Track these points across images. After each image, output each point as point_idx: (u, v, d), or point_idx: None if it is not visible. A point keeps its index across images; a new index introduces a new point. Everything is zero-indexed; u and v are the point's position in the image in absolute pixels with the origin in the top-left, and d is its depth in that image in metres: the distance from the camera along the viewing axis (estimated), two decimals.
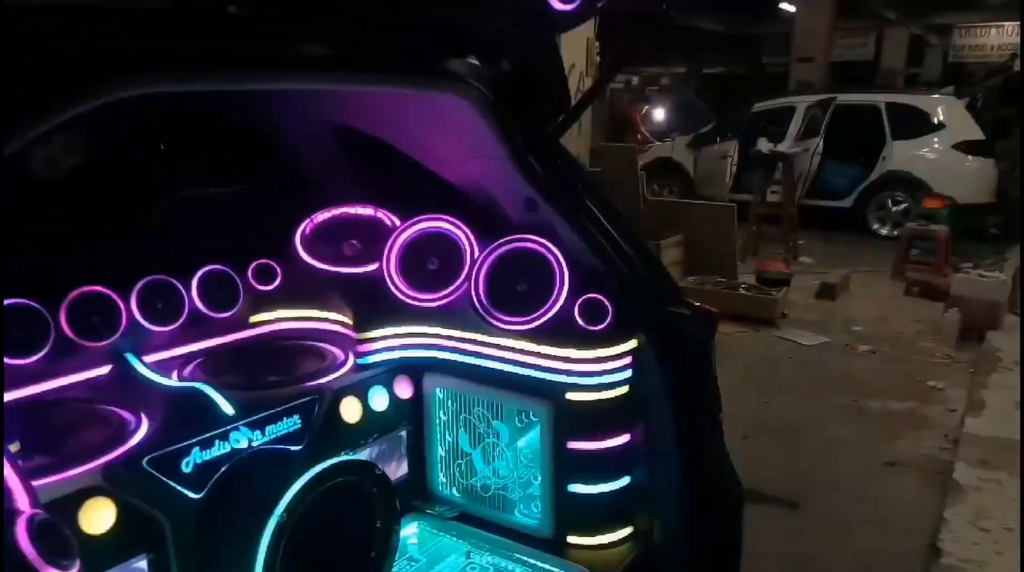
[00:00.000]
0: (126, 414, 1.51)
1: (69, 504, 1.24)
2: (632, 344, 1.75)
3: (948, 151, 9.53)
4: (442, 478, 1.99)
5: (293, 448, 1.58)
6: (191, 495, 1.40)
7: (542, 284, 1.77)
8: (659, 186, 11.24)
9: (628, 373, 1.75)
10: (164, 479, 1.37)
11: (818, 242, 9.30)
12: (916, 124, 9.81)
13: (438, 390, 1.93)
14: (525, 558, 1.76)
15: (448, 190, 1.94)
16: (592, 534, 1.81)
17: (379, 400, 1.82)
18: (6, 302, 1.48)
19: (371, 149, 1.97)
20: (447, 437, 1.96)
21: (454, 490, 1.98)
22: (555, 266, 1.76)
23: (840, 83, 13.64)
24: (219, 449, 1.46)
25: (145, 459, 1.36)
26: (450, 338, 1.87)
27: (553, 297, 1.75)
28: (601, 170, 7.31)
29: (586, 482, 1.78)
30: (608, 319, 1.73)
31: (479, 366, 1.84)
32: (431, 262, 1.90)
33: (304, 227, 2.06)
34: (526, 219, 1.82)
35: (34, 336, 1.53)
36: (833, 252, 8.95)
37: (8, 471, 0.90)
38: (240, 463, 1.47)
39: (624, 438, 1.78)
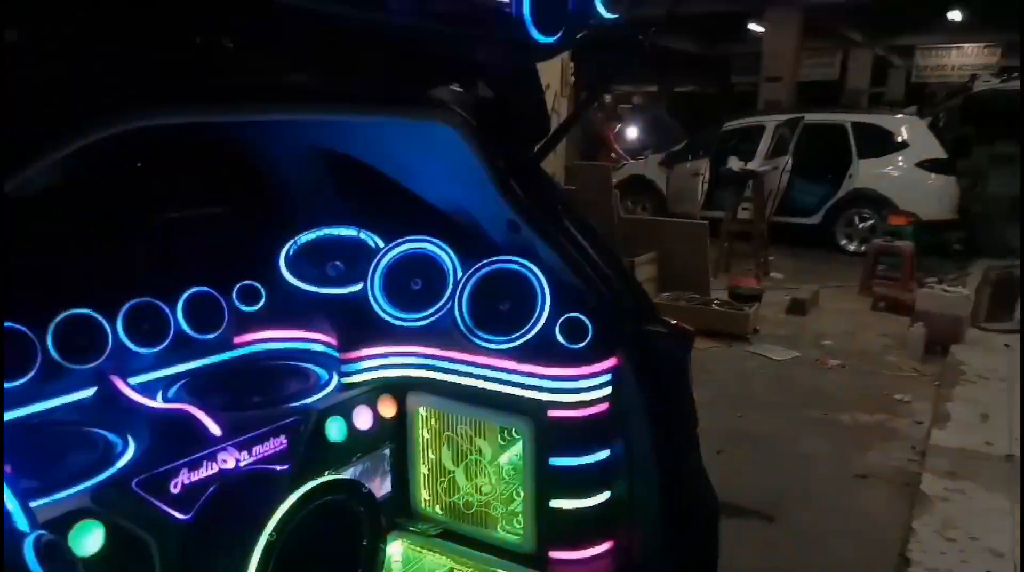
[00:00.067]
0: (112, 436, 1.52)
1: (58, 527, 1.25)
2: (611, 362, 1.80)
3: (912, 169, 9.80)
4: (425, 495, 2.02)
5: (279, 468, 1.60)
6: (179, 516, 1.41)
7: (524, 304, 1.82)
8: (632, 203, 11.39)
9: (608, 390, 1.80)
10: (152, 500, 1.38)
11: (788, 258, 9.47)
12: (881, 143, 10.09)
13: (421, 408, 1.96)
14: None
15: (431, 212, 1.98)
16: (573, 549, 1.85)
17: (363, 419, 1.84)
18: None
19: (355, 171, 2.01)
20: (430, 455, 1.99)
21: (437, 507, 2.01)
22: (536, 286, 1.81)
23: (807, 102, 13.96)
24: (206, 470, 1.47)
25: (134, 481, 1.37)
26: (433, 357, 1.90)
27: (535, 316, 1.80)
28: (576, 188, 7.40)
29: (568, 497, 1.82)
30: (588, 337, 1.78)
31: (462, 384, 1.87)
32: (415, 283, 1.94)
33: (288, 248, 2.09)
34: (508, 240, 1.87)
35: (21, 359, 1.54)
36: (803, 268, 9.12)
37: (8, 493, 0.92)
38: (227, 484, 1.49)
39: (604, 454, 1.82)
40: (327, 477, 1.53)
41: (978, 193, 10.20)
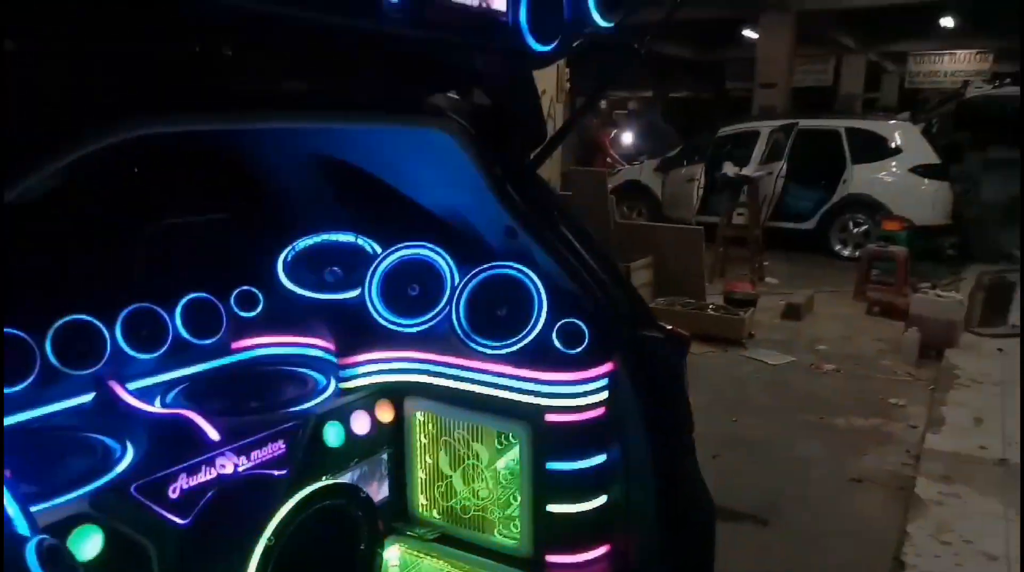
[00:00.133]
0: (111, 441, 1.52)
1: (57, 532, 1.25)
2: (608, 367, 1.81)
3: (905, 175, 9.85)
4: (422, 500, 2.02)
5: (278, 473, 1.61)
6: (178, 521, 1.41)
7: (521, 309, 1.83)
8: (628, 209, 11.43)
9: (604, 395, 1.81)
10: (151, 505, 1.39)
11: (783, 263, 9.51)
12: (875, 149, 10.14)
13: (419, 413, 1.97)
14: None
15: (429, 218, 1.99)
16: (570, 553, 1.85)
17: (361, 424, 1.85)
18: None
19: (353, 178, 2.02)
20: (427, 459, 2.00)
21: (434, 512, 2.02)
22: (533, 292, 1.82)
23: (802, 108, 14.04)
24: (205, 475, 1.48)
25: (132, 486, 1.38)
26: (431, 362, 1.91)
27: (532, 322, 1.81)
28: (572, 194, 7.42)
29: (564, 502, 1.83)
30: (585, 343, 1.79)
31: (459, 389, 1.88)
32: (412, 288, 1.95)
33: (286, 254, 2.10)
34: (505, 246, 1.88)
35: (20, 364, 1.54)
36: (797, 273, 9.16)
37: (9, 497, 0.92)
38: (226, 488, 1.50)
39: (600, 458, 1.84)
40: (325, 482, 1.54)
41: (972, 198, 10.25)
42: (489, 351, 1.83)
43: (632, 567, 1.88)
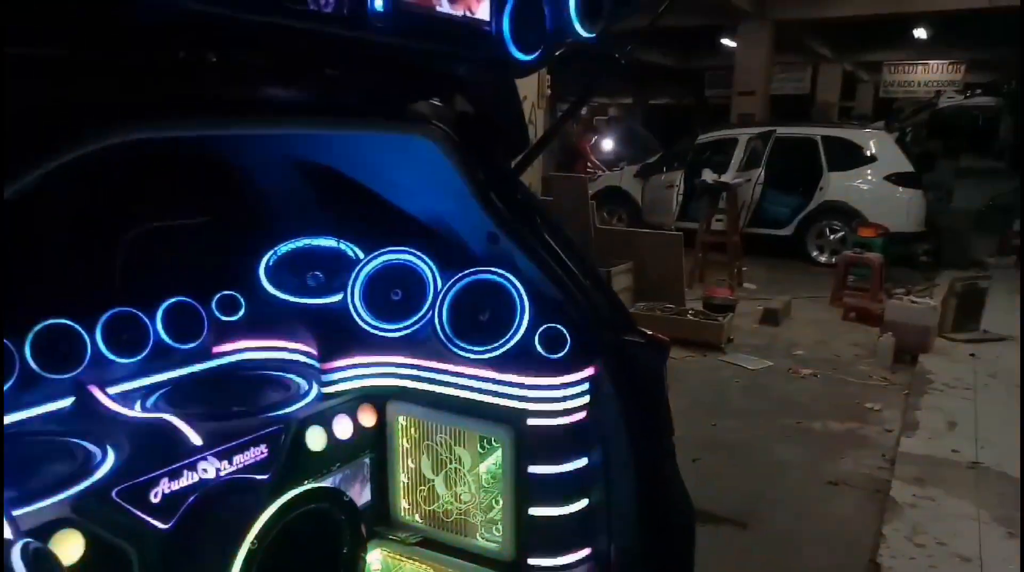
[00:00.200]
0: (91, 446, 1.51)
1: (38, 536, 1.24)
2: (589, 371, 1.83)
3: (880, 182, 10.02)
4: (405, 504, 2.03)
5: (260, 477, 1.61)
6: (160, 525, 1.41)
7: (503, 314, 1.84)
8: (608, 214, 11.51)
9: (586, 399, 1.83)
10: (133, 510, 1.38)
11: (761, 269, 9.62)
12: (850, 156, 10.30)
13: (401, 418, 1.98)
14: None
15: (411, 223, 2.00)
16: (552, 556, 1.87)
17: (343, 428, 1.85)
18: None
19: (335, 182, 2.03)
20: (410, 464, 2.00)
21: (416, 516, 2.02)
22: (516, 297, 1.84)
23: (780, 116, 14.22)
24: (187, 479, 1.48)
25: (114, 490, 1.37)
26: (413, 367, 1.92)
27: (514, 327, 1.82)
28: (553, 199, 7.46)
29: (546, 505, 1.84)
30: (566, 347, 1.81)
31: (442, 394, 1.89)
32: (395, 293, 1.96)
33: (268, 259, 2.10)
34: (487, 252, 1.89)
35: None
36: (775, 278, 9.27)
37: None
38: (208, 493, 1.49)
39: (582, 462, 1.85)
40: (308, 486, 1.54)
41: (944, 206, 10.46)
42: (472, 356, 1.84)
43: (613, 570, 1.90)
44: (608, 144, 15.05)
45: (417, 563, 1.95)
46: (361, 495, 1.93)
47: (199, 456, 1.51)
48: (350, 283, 1.96)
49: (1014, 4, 10.19)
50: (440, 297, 1.90)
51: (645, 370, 1.84)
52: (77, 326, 1.68)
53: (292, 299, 2.06)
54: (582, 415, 1.83)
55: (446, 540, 1.97)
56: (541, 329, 1.83)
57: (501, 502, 1.90)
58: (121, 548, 1.36)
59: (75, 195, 1.88)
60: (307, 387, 1.90)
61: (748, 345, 6.51)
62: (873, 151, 10.24)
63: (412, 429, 1.98)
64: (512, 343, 1.82)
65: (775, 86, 17.55)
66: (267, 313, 2.05)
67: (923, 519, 3.57)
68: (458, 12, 1.42)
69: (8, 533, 0.90)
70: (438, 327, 1.88)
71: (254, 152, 2.05)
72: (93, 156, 1.14)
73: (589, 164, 12.51)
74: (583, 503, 1.87)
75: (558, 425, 1.81)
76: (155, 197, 2.02)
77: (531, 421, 1.81)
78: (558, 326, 1.82)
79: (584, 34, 1.61)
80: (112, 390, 1.72)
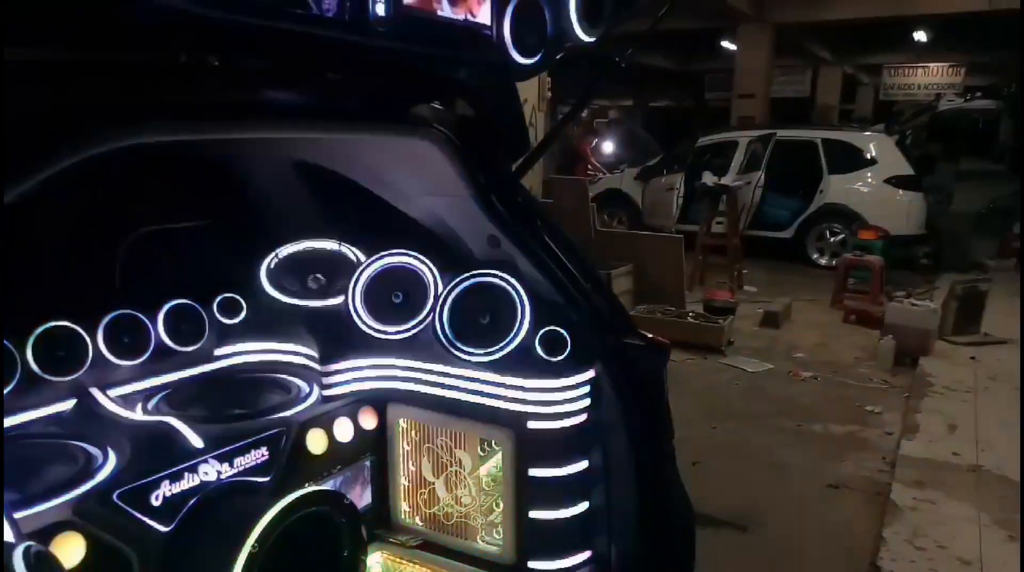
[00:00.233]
0: (92, 449, 1.52)
1: (39, 539, 1.24)
2: (589, 374, 1.83)
3: (880, 185, 10.01)
4: (405, 507, 2.03)
5: (261, 480, 1.61)
6: (160, 528, 1.41)
7: (504, 317, 1.85)
8: (608, 216, 11.52)
9: (586, 402, 1.83)
10: (134, 513, 1.38)
11: (761, 271, 9.61)
12: (850, 159, 10.30)
13: (402, 420, 1.98)
14: None
15: (412, 226, 2.01)
16: (553, 559, 1.87)
17: (344, 431, 1.86)
18: None
19: (336, 185, 2.03)
20: (410, 466, 2.01)
21: (417, 519, 2.02)
22: (516, 299, 1.84)
23: (780, 119, 14.24)
24: (188, 482, 1.48)
25: (115, 493, 1.37)
26: (414, 370, 1.92)
27: (515, 329, 1.83)
28: (553, 201, 7.47)
29: (546, 508, 1.84)
30: (567, 350, 1.82)
31: (442, 397, 1.89)
32: (395, 296, 1.96)
33: (269, 261, 2.10)
34: (488, 254, 1.90)
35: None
36: (775, 281, 9.26)
37: None
38: (209, 496, 1.50)
39: (582, 464, 1.85)
40: (308, 488, 1.54)
41: (944, 209, 10.46)
42: (472, 358, 1.84)
43: None
44: (608, 147, 15.06)
45: (418, 566, 1.95)
46: (362, 498, 1.94)
47: (200, 459, 1.51)
48: (351, 285, 1.96)
49: (1014, 7, 10.20)
50: (441, 300, 1.90)
51: (645, 373, 1.84)
52: (78, 328, 1.68)
53: (293, 301, 2.07)
54: (582, 418, 1.83)
55: (446, 543, 1.97)
56: (541, 332, 1.83)
57: (501, 505, 1.90)
58: (122, 551, 1.36)
59: (77, 197, 1.88)
60: (308, 390, 1.90)
61: (748, 348, 6.51)
62: (873, 154, 10.24)
63: (413, 432, 1.98)
64: (513, 346, 1.82)
65: (775, 89, 17.56)
66: (268, 315, 2.05)
67: (923, 522, 3.57)
68: (459, 16, 1.43)
69: (9, 536, 0.91)
70: (439, 330, 1.88)
71: (255, 155, 2.06)
72: (95, 159, 1.14)
73: (589, 167, 12.52)
74: (583, 506, 1.87)
75: (558, 428, 1.81)
76: (157, 199, 2.02)
77: (531, 424, 1.81)
78: (558, 329, 1.83)
79: (584, 38, 1.62)
80: (113, 392, 1.72)
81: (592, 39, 1.63)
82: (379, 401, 1.95)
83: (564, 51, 1.67)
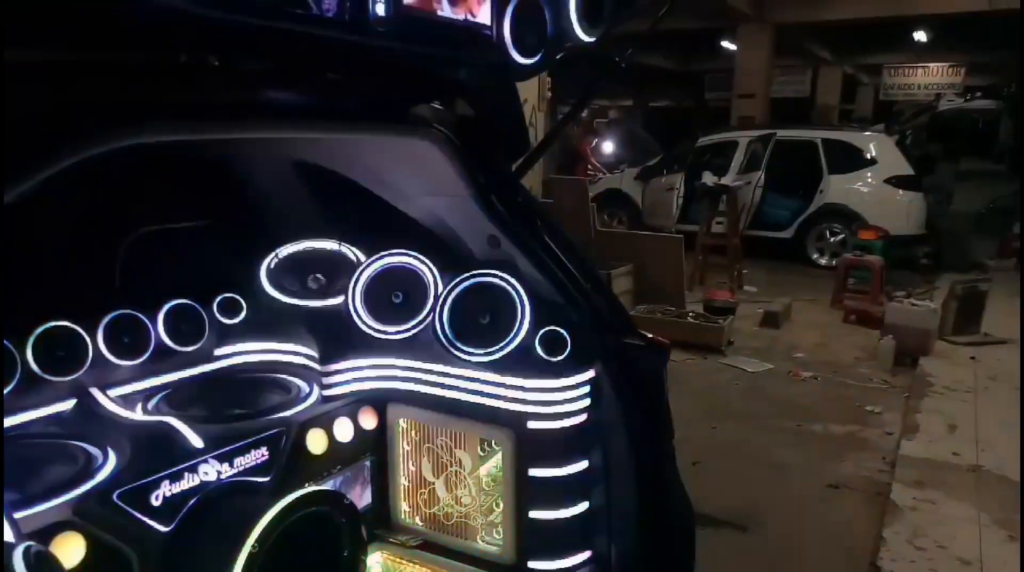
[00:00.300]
0: (92, 449, 1.52)
1: (39, 539, 1.24)
2: (589, 374, 1.83)
3: (880, 185, 10.01)
4: (405, 507, 2.03)
5: (261, 480, 1.61)
6: (160, 528, 1.41)
7: (504, 317, 1.85)
8: (608, 216, 11.52)
9: (586, 402, 1.83)
10: (134, 513, 1.38)
11: (761, 271, 9.61)
12: (850, 159, 10.29)
13: (402, 420, 1.98)
14: None
15: (412, 226, 2.01)
16: (553, 559, 1.87)
17: (344, 431, 1.86)
18: None
19: (336, 185, 2.03)
20: (410, 466, 2.01)
21: (417, 519, 2.02)
22: (516, 300, 1.84)
23: (780, 119, 14.23)
24: (188, 482, 1.48)
25: (115, 493, 1.37)
26: (414, 370, 1.92)
27: (515, 329, 1.83)
28: (553, 201, 7.47)
29: (547, 508, 1.84)
30: (567, 350, 1.82)
31: (442, 397, 1.89)
32: (395, 296, 1.96)
33: (269, 261, 2.10)
34: (488, 254, 1.90)
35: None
36: (775, 281, 9.26)
37: None
38: (209, 496, 1.50)
39: (582, 464, 1.85)
40: (309, 489, 1.54)
41: (944, 209, 10.46)
42: (472, 358, 1.84)
43: None
44: (608, 147, 15.06)
45: (417, 566, 1.95)
46: (362, 498, 1.94)
47: (200, 459, 1.51)
48: (351, 285, 1.96)
49: (1014, 7, 10.20)
50: (441, 300, 1.90)
51: (645, 373, 1.84)
52: (78, 328, 1.68)
53: (293, 301, 2.07)
54: (582, 418, 1.83)
55: (446, 543, 1.97)
56: (541, 332, 1.83)
57: (501, 505, 1.90)
58: (122, 551, 1.36)
59: (77, 197, 1.88)
60: (308, 390, 1.90)
61: (748, 348, 6.51)
62: (873, 154, 10.24)
63: (413, 432, 1.98)
64: (513, 346, 1.82)
65: (775, 89, 17.56)
66: (268, 315, 2.05)
67: (923, 522, 3.57)
68: (459, 16, 1.43)
69: (9, 536, 0.91)
70: (439, 330, 1.88)
71: (256, 155, 2.06)
72: (95, 159, 1.14)
73: (589, 167, 12.52)
74: (583, 506, 1.87)
75: (558, 428, 1.81)
76: (157, 199, 2.02)
77: (531, 424, 1.81)
78: (558, 329, 1.83)
79: (584, 38, 1.62)
80: (113, 392, 1.72)
81: (592, 39, 1.63)
82: (379, 401, 1.95)
83: (564, 51, 1.67)
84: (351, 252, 2.14)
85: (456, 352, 1.86)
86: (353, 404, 1.90)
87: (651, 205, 11.10)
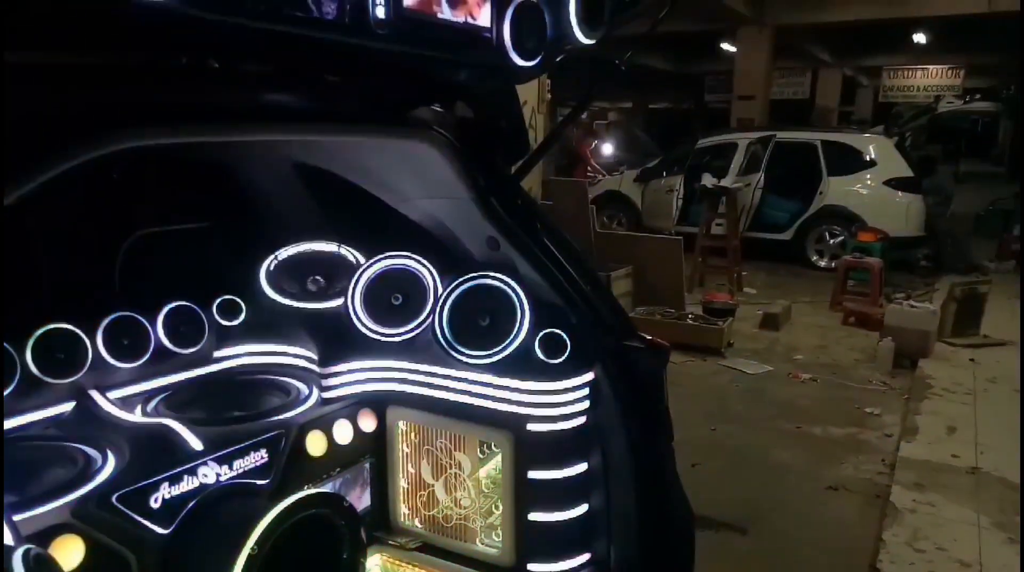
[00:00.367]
0: (91, 451, 1.52)
1: (38, 541, 1.24)
2: (589, 376, 1.83)
3: (880, 187, 10.01)
4: (404, 509, 2.03)
5: (260, 482, 1.61)
6: (160, 531, 1.41)
7: (504, 319, 1.85)
8: (608, 218, 11.52)
9: (585, 404, 1.83)
10: (133, 515, 1.38)
11: (761, 273, 9.62)
12: (850, 161, 10.30)
13: (401, 423, 1.98)
14: None
15: (412, 228, 2.00)
16: (552, 561, 1.87)
17: (343, 433, 1.86)
18: None
19: (336, 187, 2.03)
20: (409, 468, 2.00)
21: (416, 521, 2.02)
22: (516, 302, 1.84)
23: (779, 120, 14.24)
24: (187, 484, 1.48)
25: (114, 495, 1.37)
26: (413, 372, 1.92)
27: (514, 332, 1.82)
28: (553, 203, 7.46)
29: (546, 510, 1.84)
30: (567, 352, 1.82)
31: (442, 399, 1.89)
32: (395, 298, 1.96)
33: (269, 263, 2.10)
34: (488, 257, 1.90)
35: None
36: (775, 283, 9.27)
37: None
38: (208, 498, 1.50)
39: (582, 467, 1.85)
40: (308, 491, 1.54)
41: (943, 211, 10.47)
42: (472, 361, 1.84)
43: None
44: (608, 148, 15.06)
45: (417, 568, 1.95)
46: (361, 500, 1.94)
47: (199, 461, 1.51)
48: (350, 288, 1.96)
49: (1013, 9, 10.21)
50: (440, 302, 1.90)
51: (645, 375, 1.84)
52: (78, 330, 1.68)
53: (292, 304, 2.06)
54: (582, 420, 1.83)
55: (446, 545, 1.97)
56: (541, 334, 1.83)
57: (501, 507, 1.90)
58: (121, 553, 1.36)
59: (77, 199, 1.89)
60: (307, 392, 1.90)
61: (748, 349, 6.51)
62: (872, 156, 10.24)
63: (412, 434, 1.98)
64: (512, 348, 1.82)
65: (775, 91, 17.58)
66: (267, 317, 2.05)
67: (923, 524, 3.57)
68: (459, 19, 1.43)
69: (8, 538, 0.91)
70: (438, 332, 1.88)
71: (255, 157, 2.06)
72: (95, 161, 1.15)
73: (589, 168, 12.52)
74: (583, 508, 1.87)
75: (558, 430, 1.81)
76: (156, 201, 2.03)
77: (531, 426, 1.81)
78: (558, 331, 1.82)
79: (584, 40, 1.62)
80: (113, 394, 1.72)
81: (592, 41, 1.62)
82: (378, 403, 1.95)
83: (564, 53, 1.67)
84: (351, 254, 2.14)
85: (456, 354, 1.85)
86: (352, 406, 1.90)
87: (650, 207, 11.10)
